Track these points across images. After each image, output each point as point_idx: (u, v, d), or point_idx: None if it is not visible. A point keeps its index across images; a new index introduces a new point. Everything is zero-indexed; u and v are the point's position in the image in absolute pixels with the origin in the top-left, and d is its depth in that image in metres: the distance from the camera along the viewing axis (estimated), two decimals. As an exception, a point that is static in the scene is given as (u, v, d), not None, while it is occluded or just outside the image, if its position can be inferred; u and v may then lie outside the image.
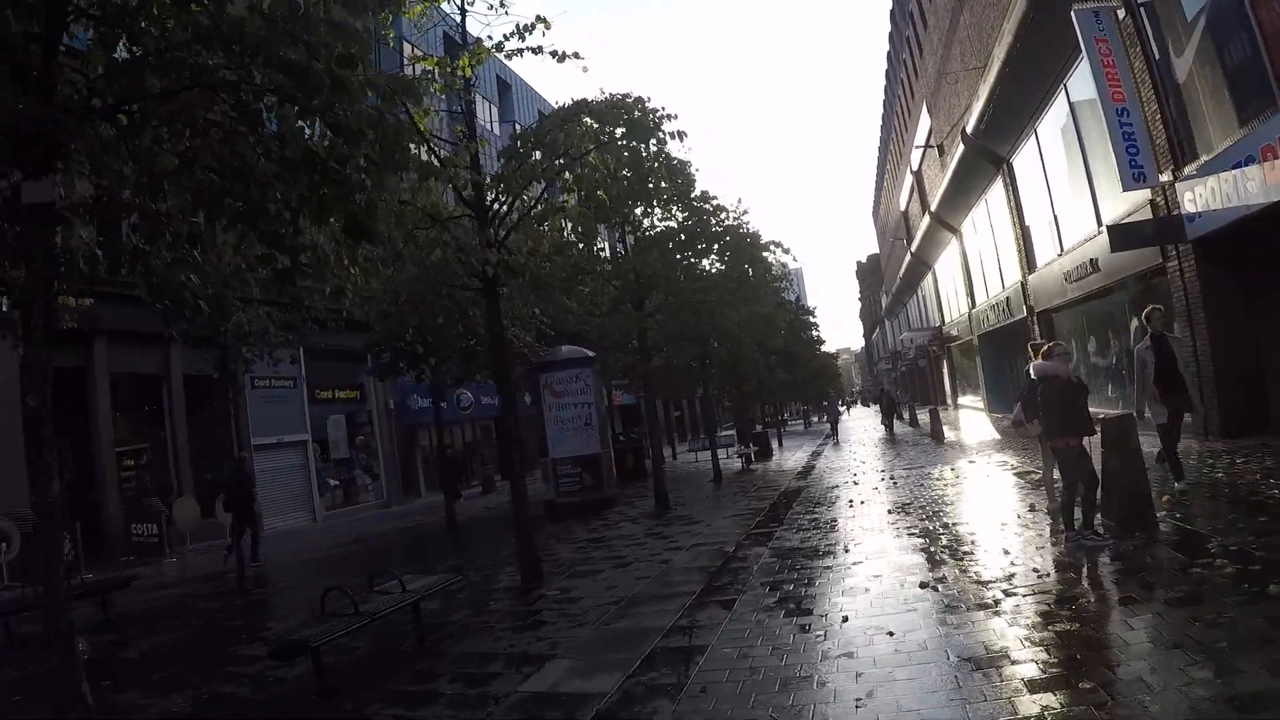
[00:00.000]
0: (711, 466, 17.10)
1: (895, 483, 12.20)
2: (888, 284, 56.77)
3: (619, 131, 7.75)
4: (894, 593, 5.57)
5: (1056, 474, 7.08)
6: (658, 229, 12.89)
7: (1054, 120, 15.50)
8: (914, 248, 34.39)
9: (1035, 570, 5.59)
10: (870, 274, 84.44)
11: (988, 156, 19.37)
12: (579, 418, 14.45)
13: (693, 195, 12.77)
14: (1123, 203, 12.61)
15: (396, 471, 21.86)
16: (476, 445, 29.28)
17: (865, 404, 78.53)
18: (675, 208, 12.93)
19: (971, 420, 24.89)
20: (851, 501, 10.72)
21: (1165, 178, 10.90)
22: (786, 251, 16.85)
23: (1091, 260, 13.91)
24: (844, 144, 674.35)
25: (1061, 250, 15.93)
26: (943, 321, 33.23)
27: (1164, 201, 11.12)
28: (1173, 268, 11.12)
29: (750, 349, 16.97)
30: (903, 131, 37.29)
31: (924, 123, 29.01)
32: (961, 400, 32.57)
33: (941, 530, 7.71)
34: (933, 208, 26.77)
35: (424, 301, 8.69)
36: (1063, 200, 15.87)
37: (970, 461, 13.49)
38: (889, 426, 27.34)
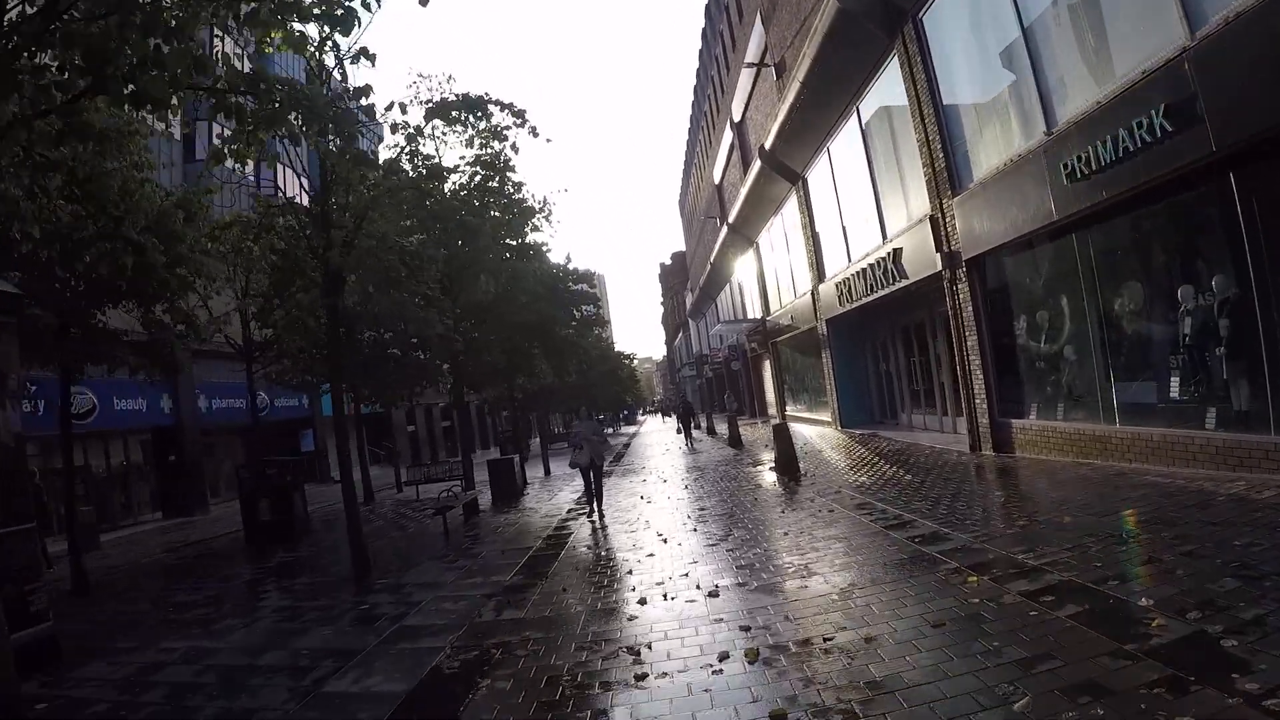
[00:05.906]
0: (427, 522, 7.80)
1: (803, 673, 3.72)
2: (694, 279, 50.41)
3: None
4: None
5: None
6: None
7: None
8: (732, 218, 27.26)
9: None
10: (674, 274, 78.80)
11: (877, 16, 11.98)
12: None
13: None
14: None
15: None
16: (122, 472, 18.08)
17: (666, 415, 72.44)
18: None
19: (818, 438, 17.57)
20: None
21: None
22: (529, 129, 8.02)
23: (1166, 109, 6.46)
24: (642, 152, 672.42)
25: (1049, 129, 8.52)
26: (767, 311, 26.30)
27: None
28: None
29: (441, 314, 7.82)
30: (722, 79, 30.35)
31: (755, 43, 21.93)
32: (792, 410, 25.69)
33: None
34: (766, 145, 19.44)
35: None
36: (1060, 29, 8.52)
37: (929, 558, 5.35)
38: (687, 435, 26.92)
